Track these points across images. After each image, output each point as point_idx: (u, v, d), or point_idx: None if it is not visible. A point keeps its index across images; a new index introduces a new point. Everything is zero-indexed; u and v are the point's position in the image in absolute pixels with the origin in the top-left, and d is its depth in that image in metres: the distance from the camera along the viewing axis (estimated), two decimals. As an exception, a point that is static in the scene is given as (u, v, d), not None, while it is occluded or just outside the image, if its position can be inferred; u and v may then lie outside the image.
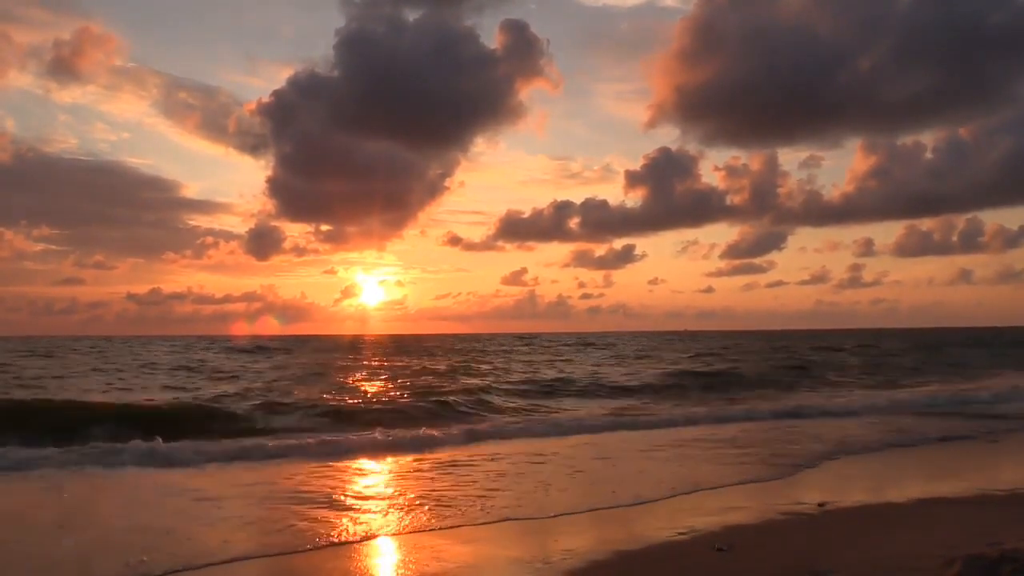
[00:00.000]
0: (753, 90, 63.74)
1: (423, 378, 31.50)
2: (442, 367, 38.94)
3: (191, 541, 7.63)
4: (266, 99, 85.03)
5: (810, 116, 70.65)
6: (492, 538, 7.89)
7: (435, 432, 15.47)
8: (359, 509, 9.10)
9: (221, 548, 7.39)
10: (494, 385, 26.94)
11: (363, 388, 27.06)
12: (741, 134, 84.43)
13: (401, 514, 8.84)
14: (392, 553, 7.45)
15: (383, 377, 32.75)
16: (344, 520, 8.50)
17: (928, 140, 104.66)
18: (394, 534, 8.07)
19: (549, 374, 33.19)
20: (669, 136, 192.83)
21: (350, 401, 21.65)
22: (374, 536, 7.94)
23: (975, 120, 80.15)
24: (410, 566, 6.89)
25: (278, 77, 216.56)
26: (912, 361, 42.64)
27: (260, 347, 64.48)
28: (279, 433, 16.14)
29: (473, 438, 15.43)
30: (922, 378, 32.77)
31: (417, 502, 9.43)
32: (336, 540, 7.74)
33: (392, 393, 24.46)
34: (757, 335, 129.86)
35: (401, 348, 72.86)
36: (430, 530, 8.18)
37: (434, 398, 21.78)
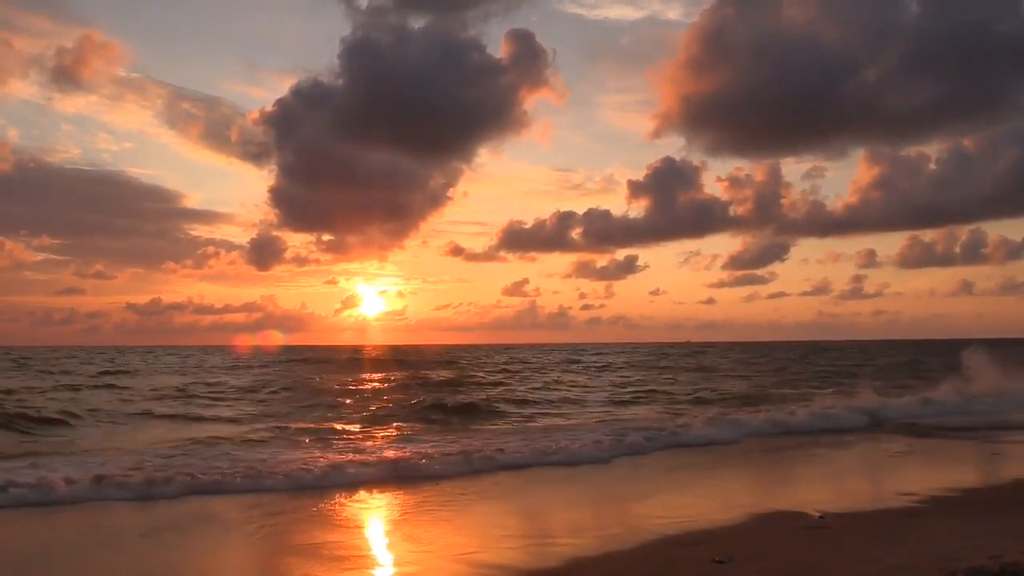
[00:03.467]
0: (757, 100, 63.51)
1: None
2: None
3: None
4: (269, 108, 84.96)
5: (814, 126, 70.28)
6: None
7: None
8: None
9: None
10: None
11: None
12: (745, 144, 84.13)
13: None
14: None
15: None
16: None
17: (932, 151, 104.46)
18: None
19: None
20: (672, 146, 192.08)
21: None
22: None
23: (979, 131, 79.73)
24: None
25: (281, 86, 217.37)
26: None
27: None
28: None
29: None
30: None
31: None
32: None
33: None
34: (759, 347, 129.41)
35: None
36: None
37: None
